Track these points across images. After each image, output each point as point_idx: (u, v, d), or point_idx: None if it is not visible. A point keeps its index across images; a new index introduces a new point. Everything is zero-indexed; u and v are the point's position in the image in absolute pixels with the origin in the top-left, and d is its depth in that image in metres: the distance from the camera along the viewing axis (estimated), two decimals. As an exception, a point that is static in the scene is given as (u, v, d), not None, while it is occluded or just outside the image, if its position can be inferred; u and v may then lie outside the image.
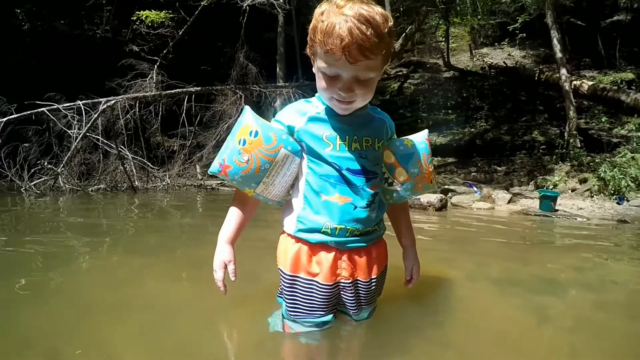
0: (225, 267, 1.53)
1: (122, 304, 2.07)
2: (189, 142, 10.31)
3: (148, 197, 7.23)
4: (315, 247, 1.50)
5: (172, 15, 10.27)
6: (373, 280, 1.58)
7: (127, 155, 8.57)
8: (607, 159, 8.11)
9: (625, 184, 6.70)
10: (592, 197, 6.90)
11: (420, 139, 1.71)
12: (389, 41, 1.35)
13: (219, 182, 8.70)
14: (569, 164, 8.81)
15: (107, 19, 13.52)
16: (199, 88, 10.61)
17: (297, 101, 1.62)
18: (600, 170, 7.09)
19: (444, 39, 16.95)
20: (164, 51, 10.75)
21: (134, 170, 8.47)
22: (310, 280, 1.50)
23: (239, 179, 1.46)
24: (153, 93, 9.95)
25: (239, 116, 1.55)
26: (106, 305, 2.06)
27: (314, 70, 1.46)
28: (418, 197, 4.85)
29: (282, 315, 1.61)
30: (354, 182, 1.46)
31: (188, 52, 11.75)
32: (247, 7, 9.79)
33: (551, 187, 7.70)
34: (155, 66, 10.38)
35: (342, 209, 1.46)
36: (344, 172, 1.46)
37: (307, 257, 1.50)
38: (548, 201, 5.84)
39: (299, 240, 1.51)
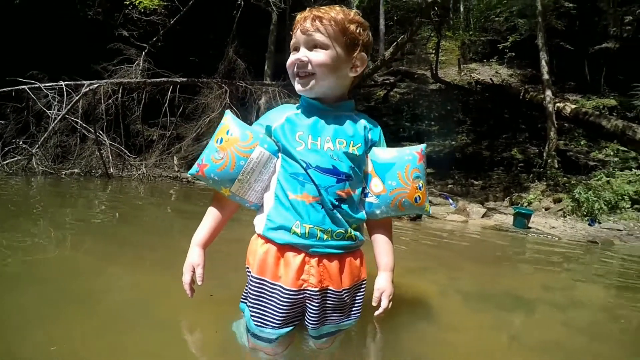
0: (194, 270, 1.52)
1: (86, 297, 1.99)
2: (169, 132, 10.12)
3: (122, 185, 7.08)
4: (284, 249, 1.46)
5: (165, 3, 10.06)
6: (345, 291, 1.51)
7: (105, 141, 8.37)
8: (583, 181, 8.31)
9: (599, 207, 6.85)
10: (565, 217, 7.03)
11: (409, 150, 1.62)
12: (352, 30, 1.49)
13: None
14: (544, 183, 8.97)
15: (100, 0, 13.19)
16: (185, 79, 10.45)
17: (283, 105, 1.66)
18: (575, 191, 7.23)
19: (434, 51, 17.11)
20: (154, 39, 10.55)
21: (110, 157, 8.29)
22: (275, 285, 1.45)
23: (215, 177, 1.48)
24: (138, 80, 9.76)
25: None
26: (69, 298, 1.97)
27: None
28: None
29: (246, 325, 1.55)
30: (323, 181, 1.44)
31: (177, 41, 11.54)
32: (242, 2, 9.71)
33: (525, 204, 7.83)
34: (143, 53, 10.18)
35: (310, 208, 1.43)
36: (313, 170, 1.44)
37: (275, 259, 1.46)
38: (522, 218, 5.91)
39: (268, 240, 1.48)
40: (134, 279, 2.33)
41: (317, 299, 1.46)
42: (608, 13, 15.60)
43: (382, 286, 1.59)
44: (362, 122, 1.60)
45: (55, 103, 8.23)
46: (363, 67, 1.56)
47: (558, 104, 11.50)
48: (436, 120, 14.14)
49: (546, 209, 7.61)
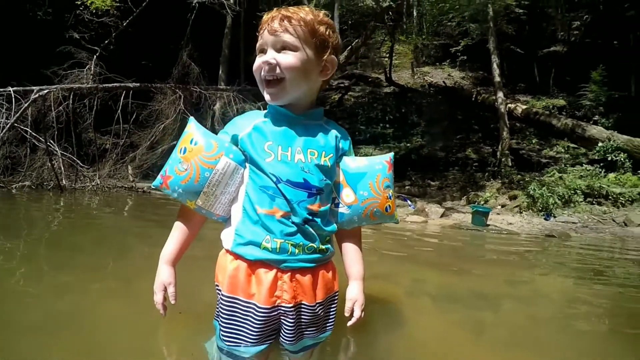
0: (165, 289, 1.44)
1: (50, 321, 1.85)
2: (123, 140, 9.74)
3: (75, 198, 6.75)
4: (255, 265, 1.38)
5: (118, 4, 9.70)
6: (318, 305, 1.45)
7: (56, 151, 7.94)
8: (537, 178, 8.65)
9: (553, 202, 7.14)
10: (521, 213, 7.28)
11: (378, 160, 1.60)
12: (321, 32, 1.41)
13: (150, 184, 8.29)
14: (499, 181, 9.28)
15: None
16: (138, 84, 10.11)
17: (250, 111, 1.57)
18: (529, 188, 7.52)
19: (387, 55, 17.38)
20: (106, 41, 10.13)
21: (62, 168, 7.88)
22: (248, 303, 1.38)
23: (180, 189, 1.39)
24: (89, 85, 9.35)
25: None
26: (31, 322, 1.82)
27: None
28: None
29: (217, 345, 1.47)
30: (294, 195, 1.37)
31: (130, 45, 11.17)
32: (197, 4, 9.53)
33: (482, 202, 8.06)
34: (95, 56, 9.78)
35: (280, 223, 1.36)
36: (284, 184, 1.37)
37: (246, 276, 1.38)
38: (480, 216, 6.07)
39: (237, 257, 1.40)
40: (98, 298, 2.18)
41: (291, 315, 1.40)
42: (556, 19, 16.61)
43: (354, 296, 1.55)
44: (333, 131, 1.55)
45: (4, 110, 7.77)
46: (333, 71, 1.50)
47: (509, 105, 11.99)
48: (391, 123, 14.41)
49: (503, 206, 7.86)
